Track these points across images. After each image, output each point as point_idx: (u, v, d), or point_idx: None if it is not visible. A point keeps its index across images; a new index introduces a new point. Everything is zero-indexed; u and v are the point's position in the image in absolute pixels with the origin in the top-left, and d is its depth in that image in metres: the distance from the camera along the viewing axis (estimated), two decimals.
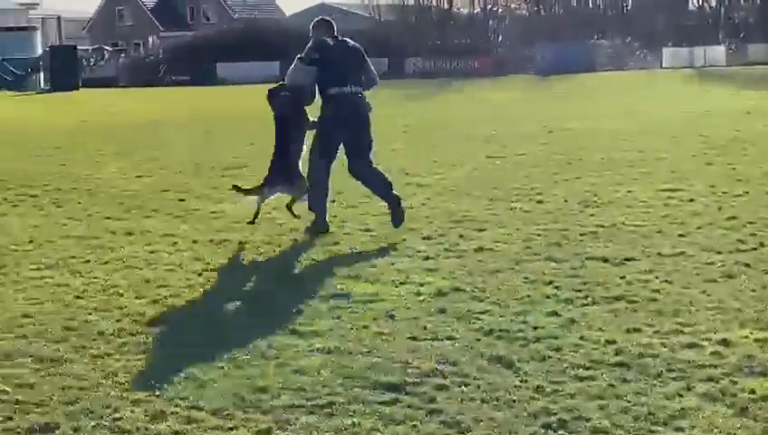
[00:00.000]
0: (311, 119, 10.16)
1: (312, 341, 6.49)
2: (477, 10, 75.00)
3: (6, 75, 56.21)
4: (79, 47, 62.57)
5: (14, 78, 56.14)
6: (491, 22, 73.87)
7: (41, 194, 13.22)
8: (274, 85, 10.45)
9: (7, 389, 5.72)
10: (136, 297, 7.69)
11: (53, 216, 11.58)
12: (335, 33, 10.27)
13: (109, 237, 10.16)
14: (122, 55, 67.90)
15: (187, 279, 8.25)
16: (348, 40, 10.35)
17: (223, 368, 5.99)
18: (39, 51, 61.89)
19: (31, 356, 6.28)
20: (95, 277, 8.38)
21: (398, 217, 10.14)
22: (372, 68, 10.40)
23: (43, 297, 7.75)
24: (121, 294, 7.79)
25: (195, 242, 9.78)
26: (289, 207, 10.28)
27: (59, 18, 77.27)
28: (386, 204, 10.30)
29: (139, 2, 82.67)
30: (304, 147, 10.19)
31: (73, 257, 9.20)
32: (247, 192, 10.30)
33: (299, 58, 10.06)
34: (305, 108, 10.15)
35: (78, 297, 7.74)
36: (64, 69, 53.59)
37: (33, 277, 8.43)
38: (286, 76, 10.25)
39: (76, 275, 8.49)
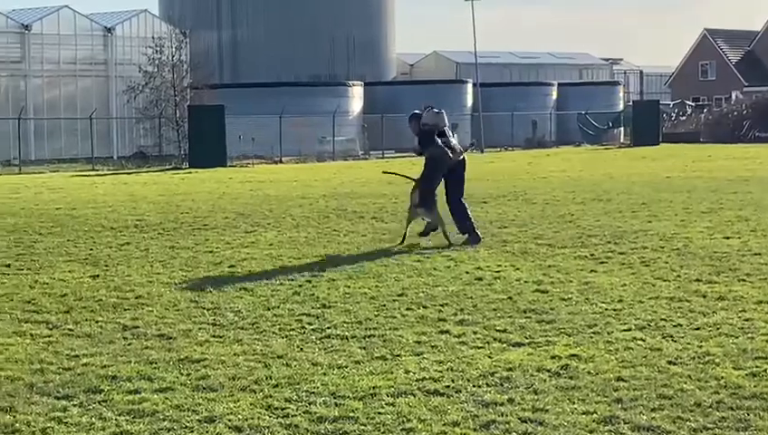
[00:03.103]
0: None
1: None
2: None
3: (588, 129, 57.89)
4: (661, 102, 63.05)
5: (595, 132, 57.69)
6: None
7: (627, 251, 13.19)
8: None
9: None
10: (733, 368, 7.31)
11: (641, 274, 11.47)
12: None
13: (699, 301, 9.85)
14: (705, 110, 67.17)
15: None
16: None
17: None
18: (620, 105, 63.21)
19: (627, 423, 6.14)
20: (688, 343, 8.11)
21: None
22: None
23: (635, 361, 7.60)
24: (717, 364, 7.45)
25: None
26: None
27: (641, 73, 78.45)
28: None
29: (724, 57, 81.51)
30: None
31: (664, 320, 9.01)
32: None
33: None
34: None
35: (671, 363, 7.51)
36: (646, 123, 54.23)
37: (623, 338, 8.33)
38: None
39: (668, 340, 8.27)
